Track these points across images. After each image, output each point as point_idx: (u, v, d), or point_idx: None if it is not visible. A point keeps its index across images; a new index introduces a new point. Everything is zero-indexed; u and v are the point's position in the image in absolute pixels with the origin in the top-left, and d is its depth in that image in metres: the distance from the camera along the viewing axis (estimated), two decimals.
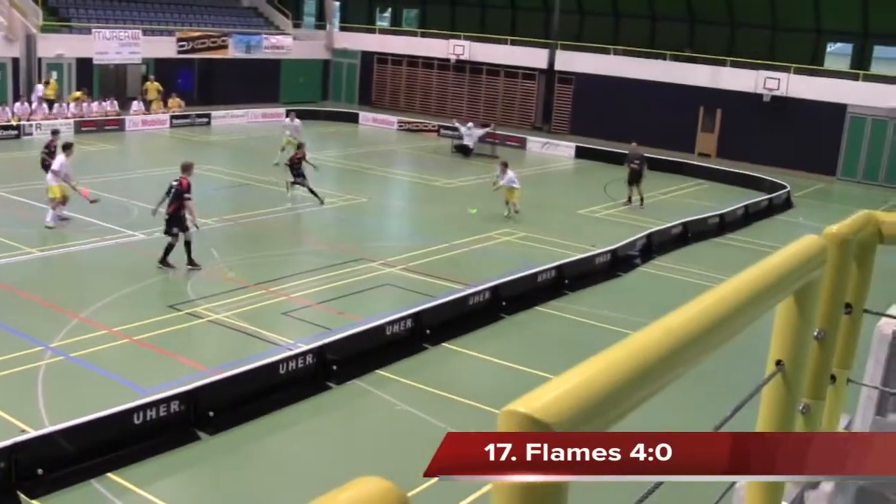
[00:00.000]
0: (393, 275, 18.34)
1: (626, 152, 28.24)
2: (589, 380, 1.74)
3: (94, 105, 38.26)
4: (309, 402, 12.39)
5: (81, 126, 36.30)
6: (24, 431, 10.66)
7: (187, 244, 17.39)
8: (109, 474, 10.09)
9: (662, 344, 1.96)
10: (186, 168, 17.91)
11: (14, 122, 35.13)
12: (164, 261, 17.42)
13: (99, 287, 16.62)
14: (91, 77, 40.16)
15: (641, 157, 26.88)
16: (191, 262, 17.48)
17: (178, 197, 17.31)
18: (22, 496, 9.55)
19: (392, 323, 14.35)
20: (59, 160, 20.29)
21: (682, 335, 2.03)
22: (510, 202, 23.76)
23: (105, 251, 19.10)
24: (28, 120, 35.39)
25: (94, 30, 40.73)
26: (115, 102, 39.06)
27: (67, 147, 20.89)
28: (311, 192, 23.99)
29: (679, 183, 32.28)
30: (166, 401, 10.97)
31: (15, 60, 38.83)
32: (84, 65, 40.09)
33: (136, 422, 10.64)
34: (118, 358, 13.47)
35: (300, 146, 25.47)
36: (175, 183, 17.49)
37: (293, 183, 24.19)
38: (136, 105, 39.53)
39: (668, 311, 2.10)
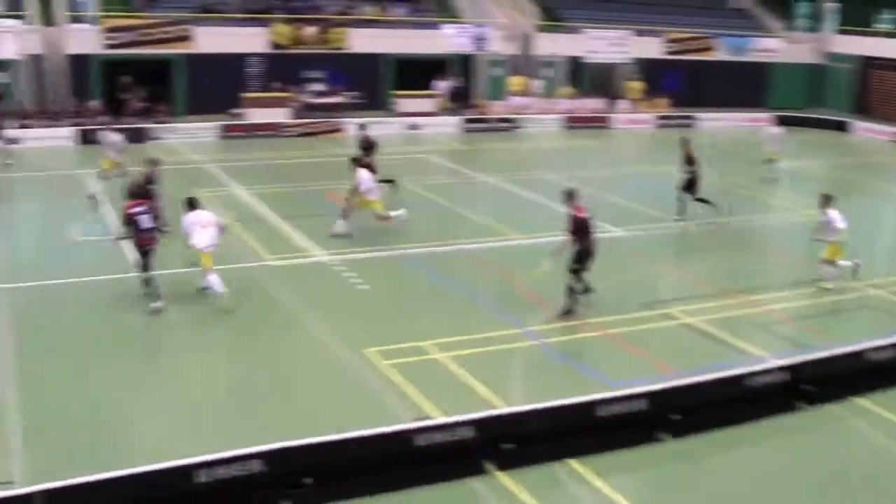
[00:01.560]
0: (878, 297, 16.80)
1: None
2: None
3: (583, 102, 39.74)
4: (775, 421, 11.70)
5: (570, 121, 38.05)
6: (495, 406, 11.27)
7: None
8: (570, 460, 10.29)
9: None
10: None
11: (510, 115, 37.75)
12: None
13: None
14: (580, 75, 41.70)
15: None
16: None
17: None
18: (489, 466, 10.07)
19: (876, 349, 13.12)
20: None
21: None
22: None
23: None
24: (522, 114, 37.82)
25: (585, 29, 42.32)
26: (605, 100, 40.31)
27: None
28: (702, 201, 21.95)
29: None
30: (631, 397, 10.95)
31: (514, 57, 41.54)
32: (575, 63, 41.81)
33: (601, 414, 10.74)
34: (588, 349, 13.76)
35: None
36: None
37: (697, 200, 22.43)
38: (622, 104, 40.48)
39: None
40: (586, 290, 15.00)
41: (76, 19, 36.15)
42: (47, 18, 35.32)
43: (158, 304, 14.68)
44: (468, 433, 10.11)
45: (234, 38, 36.73)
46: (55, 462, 9.94)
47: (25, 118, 32.56)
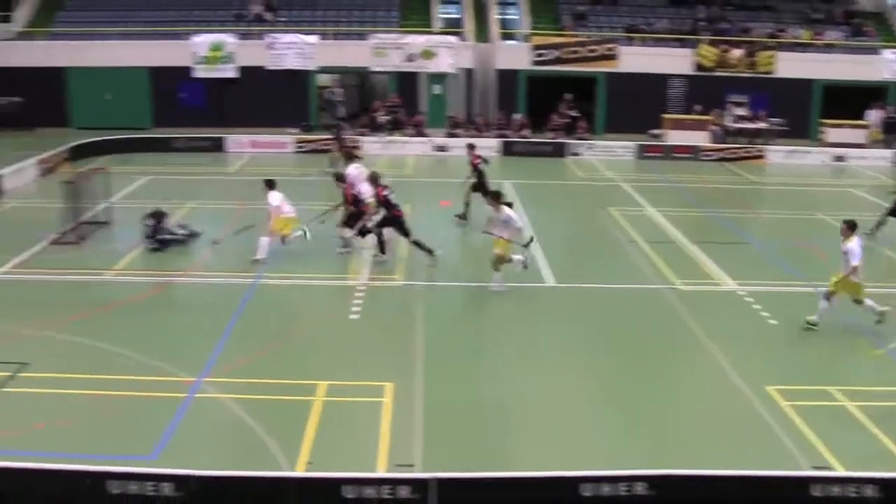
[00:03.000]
0: None
1: None
2: None
3: None
4: None
5: None
6: None
7: None
8: None
9: None
10: None
11: None
12: None
13: None
14: None
15: None
16: None
17: None
18: None
19: None
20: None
21: None
22: None
23: None
24: None
25: None
26: None
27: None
28: None
29: None
30: None
31: None
32: None
33: None
34: None
35: None
36: None
37: None
38: None
39: None
40: None
41: (507, 36, 38.66)
42: (482, 35, 38.12)
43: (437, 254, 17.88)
44: (870, 491, 9.63)
45: (659, 58, 37.22)
46: (449, 453, 10.83)
47: (455, 127, 35.39)
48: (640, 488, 9.40)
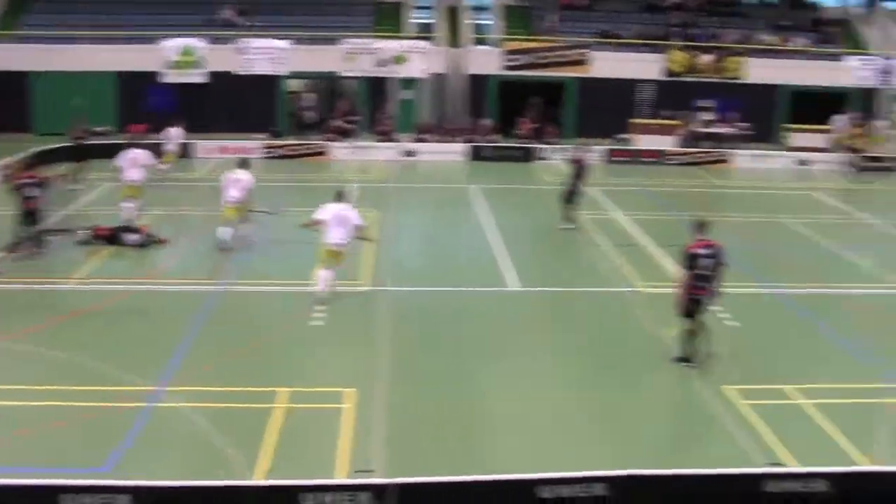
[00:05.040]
0: None
1: None
2: None
3: None
4: None
5: None
6: (856, 463, 10.77)
7: None
8: None
9: None
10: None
11: None
12: None
13: None
14: None
15: None
16: None
17: None
18: None
19: None
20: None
21: None
22: None
23: None
24: None
25: None
26: None
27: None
28: None
29: None
30: None
31: None
32: None
33: None
34: None
35: None
36: None
37: None
38: None
39: None
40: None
41: (480, 41, 38.77)
42: (454, 40, 38.23)
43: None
44: (821, 486, 9.75)
45: (629, 63, 37.43)
46: (411, 459, 10.83)
47: (423, 133, 35.45)
48: (598, 489, 9.45)
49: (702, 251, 13.51)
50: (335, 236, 15.97)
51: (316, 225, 16.15)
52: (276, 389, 12.53)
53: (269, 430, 11.37)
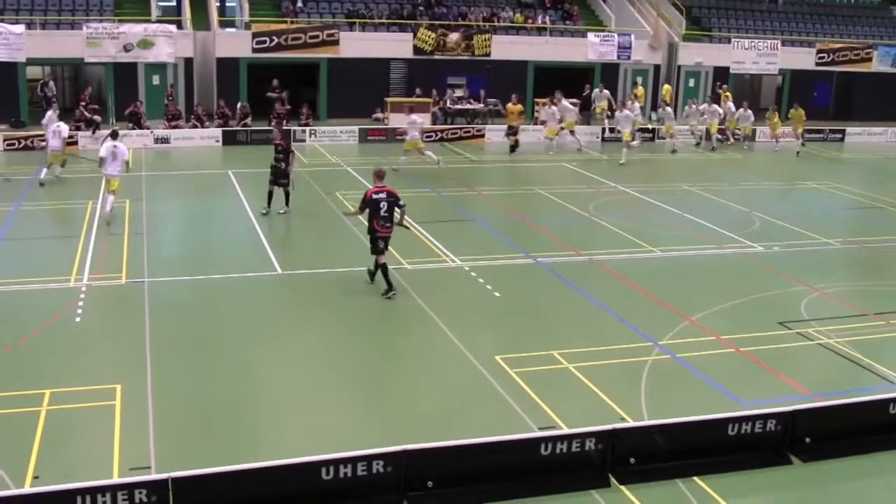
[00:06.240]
0: None
1: None
2: None
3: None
4: None
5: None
6: (623, 419, 11.19)
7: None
8: (696, 478, 10.10)
9: None
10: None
11: (651, 127, 37.21)
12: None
13: (711, 293, 16.79)
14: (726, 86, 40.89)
15: None
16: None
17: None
18: (613, 480, 10.00)
19: None
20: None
21: None
22: None
23: (722, 259, 19.28)
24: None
25: (733, 39, 41.37)
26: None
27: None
28: None
29: None
30: (760, 418, 10.67)
31: (656, 67, 41.04)
32: (721, 73, 40.92)
33: (731, 433, 10.51)
34: (721, 366, 13.45)
35: None
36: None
37: None
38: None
39: None
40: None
41: (227, 24, 37.61)
42: (201, 24, 36.88)
43: None
44: (594, 445, 10.07)
45: (379, 43, 37.56)
46: (184, 452, 10.38)
47: (174, 119, 34.02)
48: (378, 466, 9.33)
49: (381, 196, 15.63)
50: (111, 169, 20.25)
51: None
52: (41, 391, 11.65)
53: (37, 433, 10.57)
